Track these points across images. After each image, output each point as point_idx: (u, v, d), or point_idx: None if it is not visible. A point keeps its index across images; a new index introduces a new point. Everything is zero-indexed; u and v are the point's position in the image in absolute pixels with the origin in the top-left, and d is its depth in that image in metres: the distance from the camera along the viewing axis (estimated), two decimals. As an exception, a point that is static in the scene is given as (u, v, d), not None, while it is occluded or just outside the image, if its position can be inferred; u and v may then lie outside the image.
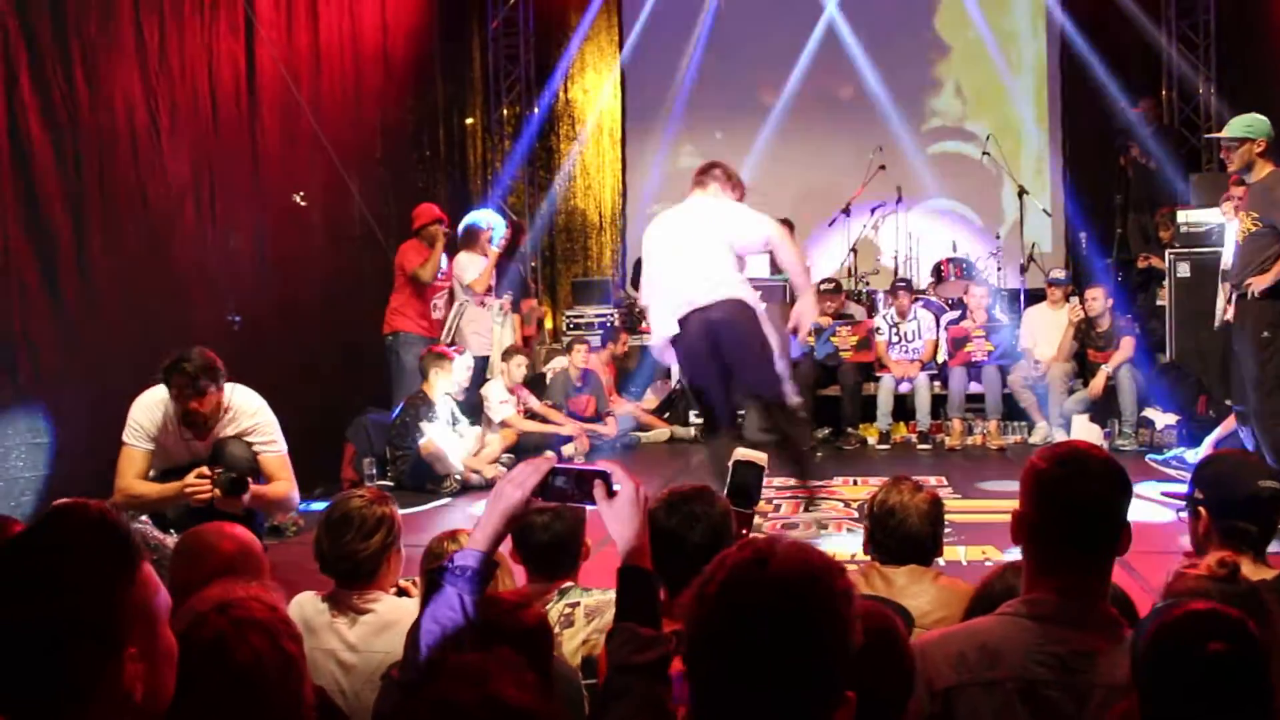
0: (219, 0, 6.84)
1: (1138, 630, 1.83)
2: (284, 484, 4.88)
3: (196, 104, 6.63)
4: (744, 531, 2.80)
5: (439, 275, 8.27)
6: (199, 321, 6.55)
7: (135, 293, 6.00)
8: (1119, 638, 2.05)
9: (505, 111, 12.36)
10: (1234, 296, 6.00)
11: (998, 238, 10.58)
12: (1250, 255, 5.85)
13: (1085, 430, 8.47)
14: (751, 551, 1.44)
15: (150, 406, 4.76)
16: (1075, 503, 2.11)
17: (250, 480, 4.57)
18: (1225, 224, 7.40)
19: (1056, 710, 2.01)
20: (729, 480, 2.89)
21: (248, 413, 4.87)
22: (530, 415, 8.69)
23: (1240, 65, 10.29)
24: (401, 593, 3.08)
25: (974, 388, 9.06)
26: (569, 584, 2.93)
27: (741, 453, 2.99)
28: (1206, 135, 6.83)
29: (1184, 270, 8.57)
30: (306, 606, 3.01)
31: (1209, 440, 7.06)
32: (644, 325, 10.33)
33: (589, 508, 2.10)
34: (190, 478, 4.47)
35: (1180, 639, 1.73)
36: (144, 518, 4.42)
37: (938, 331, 9.48)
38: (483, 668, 1.50)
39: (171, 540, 4.24)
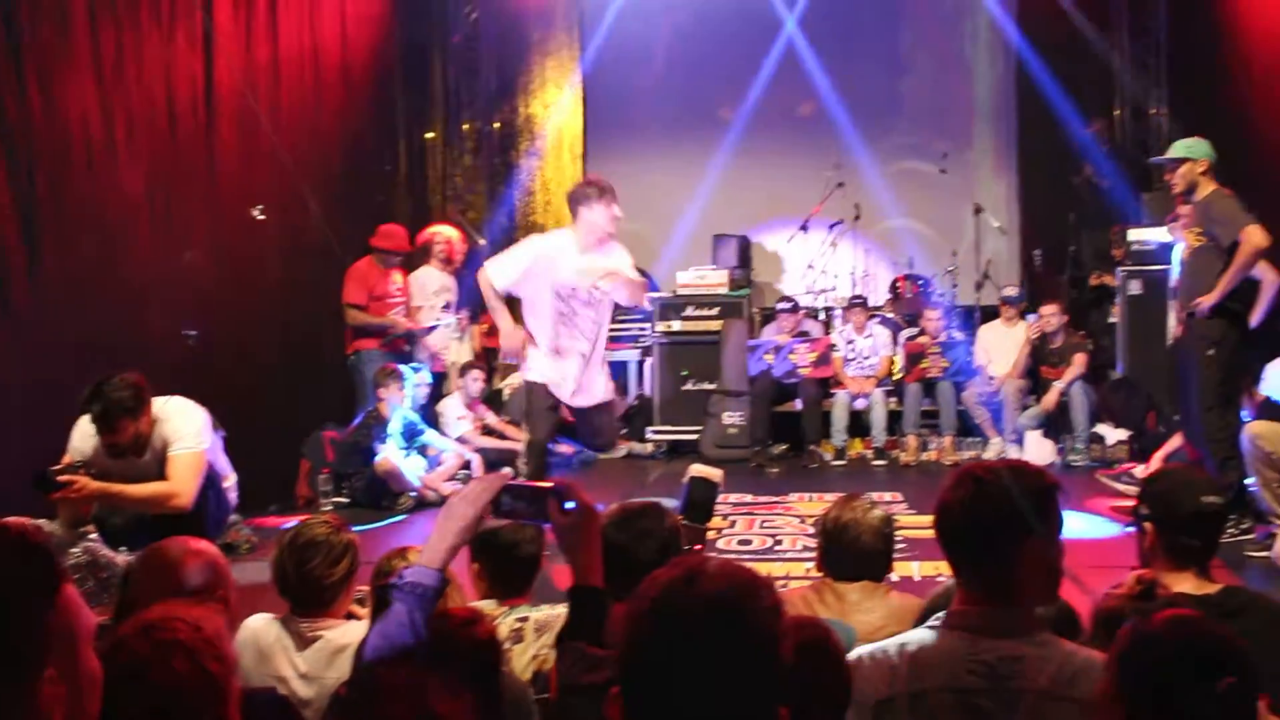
0: (177, 12, 6.77)
1: (1117, 641, 1.85)
2: (164, 484, 4.71)
3: (153, 116, 6.56)
4: (696, 547, 2.82)
5: (396, 289, 8.24)
6: (154, 336, 6.49)
7: (88, 306, 5.93)
8: (1045, 642, 2.10)
9: (466, 126, 12.33)
10: (1182, 312, 6.11)
11: (954, 255, 10.68)
12: (1196, 273, 5.96)
13: (1038, 445, 8.56)
14: (681, 570, 1.45)
15: (85, 434, 4.74)
16: (967, 524, 2.18)
17: (51, 477, 4.39)
18: (1173, 242, 7.51)
19: (986, 717, 2.05)
20: (684, 496, 2.91)
21: (170, 419, 4.81)
22: (487, 431, 8.66)
23: (1192, 87, 10.46)
24: (350, 616, 3.07)
25: (929, 404, 9.13)
26: (520, 601, 2.94)
27: (697, 469, 3.01)
28: (1151, 160, 6.97)
29: (1135, 288, 8.69)
30: (259, 630, 2.98)
31: (1158, 455, 7.15)
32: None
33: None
34: None
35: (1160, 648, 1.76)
36: (94, 535, 4.39)
37: (894, 348, 9.56)
38: (418, 685, 1.50)
39: (122, 558, 4.23)
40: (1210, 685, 1.70)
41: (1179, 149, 6.08)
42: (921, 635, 2.19)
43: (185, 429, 4.81)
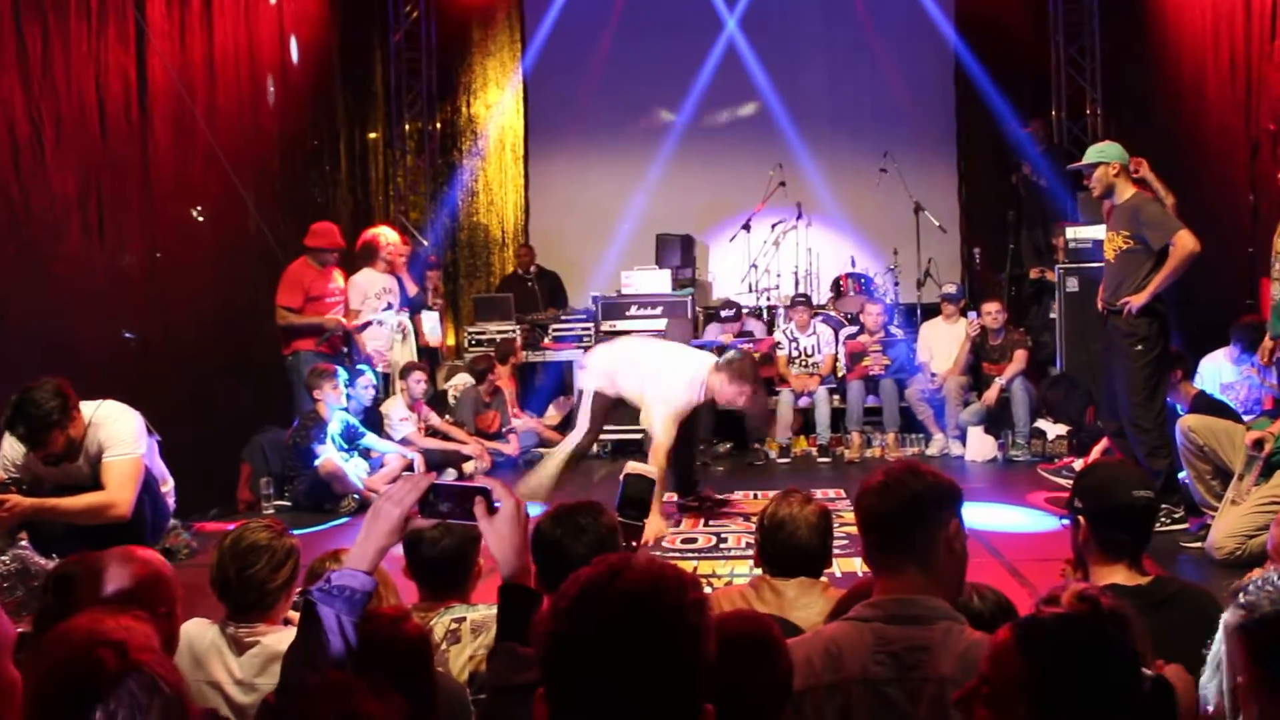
0: (107, 8, 6.63)
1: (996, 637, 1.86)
2: (100, 494, 4.62)
3: (83, 116, 6.43)
4: (633, 544, 2.81)
5: (335, 290, 8.16)
6: (87, 338, 6.37)
7: (17, 310, 5.80)
8: (950, 630, 2.13)
9: (407, 126, 12.27)
10: (1105, 310, 6.21)
11: (895, 253, 10.78)
12: (1124, 272, 6.06)
13: (980, 441, 8.66)
14: (604, 567, 1.44)
15: (15, 441, 4.66)
16: (879, 516, 2.27)
17: None
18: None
19: (894, 707, 2.10)
20: (620, 492, 2.90)
21: (103, 424, 4.72)
22: (431, 432, 8.61)
23: (1124, 87, 10.64)
24: (288, 622, 3.03)
25: (872, 401, 9.20)
26: (455, 603, 2.91)
27: (632, 466, 3.01)
28: (1069, 166, 7.10)
29: (1072, 285, 8.81)
30: (195, 636, 2.93)
31: (1097, 449, 7.26)
32: (546, 342, 10.32)
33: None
34: None
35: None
36: (24, 543, 4.30)
37: (836, 346, 9.62)
38: (342, 687, 1.48)
39: (50, 564, 4.13)
40: (1087, 681, 1.71)
41: (1092, 154, 6.25)
42: (835, 627, 2.25)
43: (120, 435, 4.72)
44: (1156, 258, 5.94)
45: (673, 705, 1.40)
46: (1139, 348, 6.00)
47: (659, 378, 6.52)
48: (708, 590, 4.78)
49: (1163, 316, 6.07)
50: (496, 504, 2.01)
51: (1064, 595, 2.34)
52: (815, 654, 2.16)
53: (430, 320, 8.96)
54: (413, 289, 8.89)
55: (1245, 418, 6.31)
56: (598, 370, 6.90)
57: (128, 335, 6.69)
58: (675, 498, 6.93)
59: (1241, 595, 1.84)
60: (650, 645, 1.39)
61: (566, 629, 1.41)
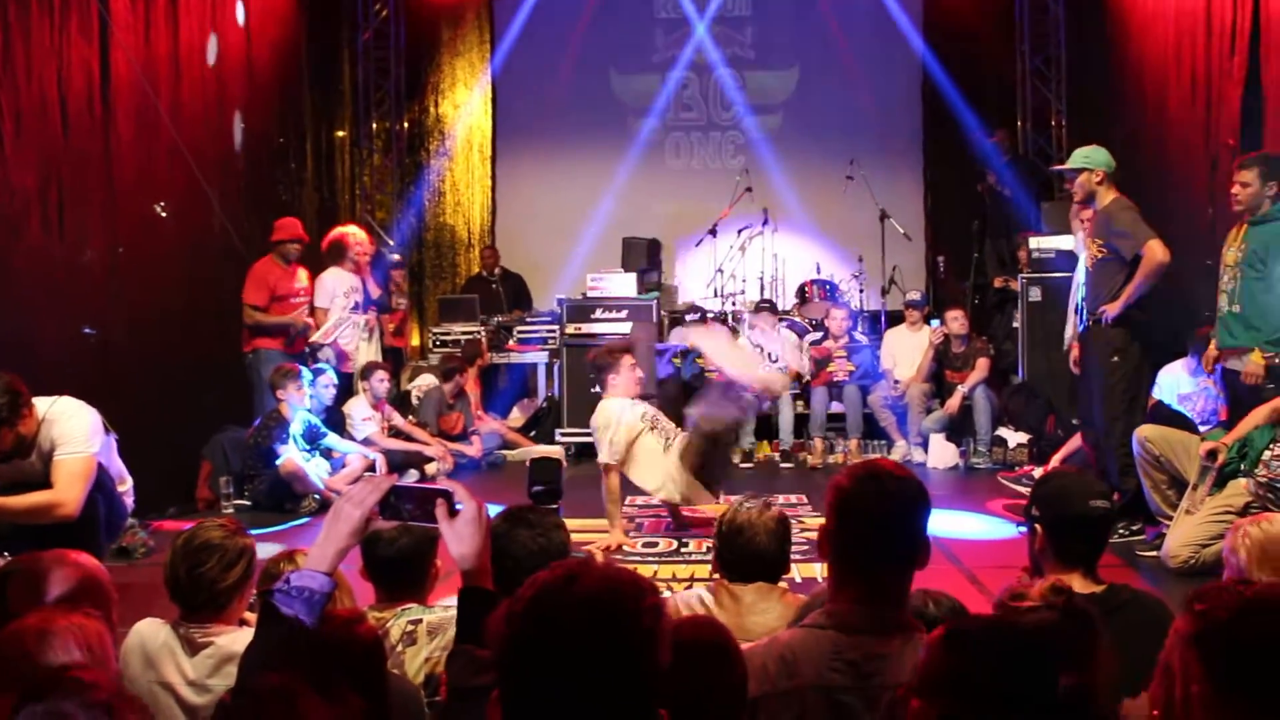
0: (70, 1, 6.56)
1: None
2: (47, 493, 4.51)
3: (44, 109, 6.34)
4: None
5: (300, 289, 8.11)
6: (47, 335, 6.30)
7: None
8: (912, 641, 2.13)
9: (375, 125, 12.21)
10: (1086, 321, 6.25)
11: (860, 260, 10.84)
12: (1100, 283, 6.10)
13: (942, 448, 8.71)
14: (560, 571, 1.45)
15: None
16: (870, 517, 2.21)
17: None
18: (1076, 250, 7.68)
19: (850, 714, 2.09)
20: (528, 479, 2.90)
21: (56, 421, 4.62)
22: (394, 433, 8.57)
23: (1089, 99, 10.76)
24: (244, 623, 3.00)
25: (835, 407, 9.24)
26: (411, 604, 2.91)
27: (538, 450, 3.05)
28: (1051, 169, 7.16)
29: (1035, 294, 8.89)
30: (147, 636, 2.90)
31: (1056, 457, 7.33)
32: (511, 344, 10.31)
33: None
34: None
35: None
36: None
37: (802, 351, 9.65)
38: (298, 690, 1.47)
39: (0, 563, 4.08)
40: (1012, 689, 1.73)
41: (1077, 159, 6.22)
42: (792, 634, 2.23)
43: (72, 432, 4.62)
44: (1130, 267, 5.95)
45: (628, 709, 1.41)
46: (1114, 359, 6.02)
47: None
48: (666, 595, 4.80)
49: (1142, 327, 6.07)
50: (458, 506, 2.01)
51: (1034, 589, 2.36)
52: (770, 660, 2.15)
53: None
54: (375, 290, 8.84)
55: (1201, 428, 6.40)
56: None
57: (87, 331, 6.62)
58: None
59: (1197, 604, 1.85)
60: (605, 650, 1.39)
61: (522, 633, 1.41)
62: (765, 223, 10.82)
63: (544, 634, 1.40)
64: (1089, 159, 6.15)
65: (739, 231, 10.83)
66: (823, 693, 2.10)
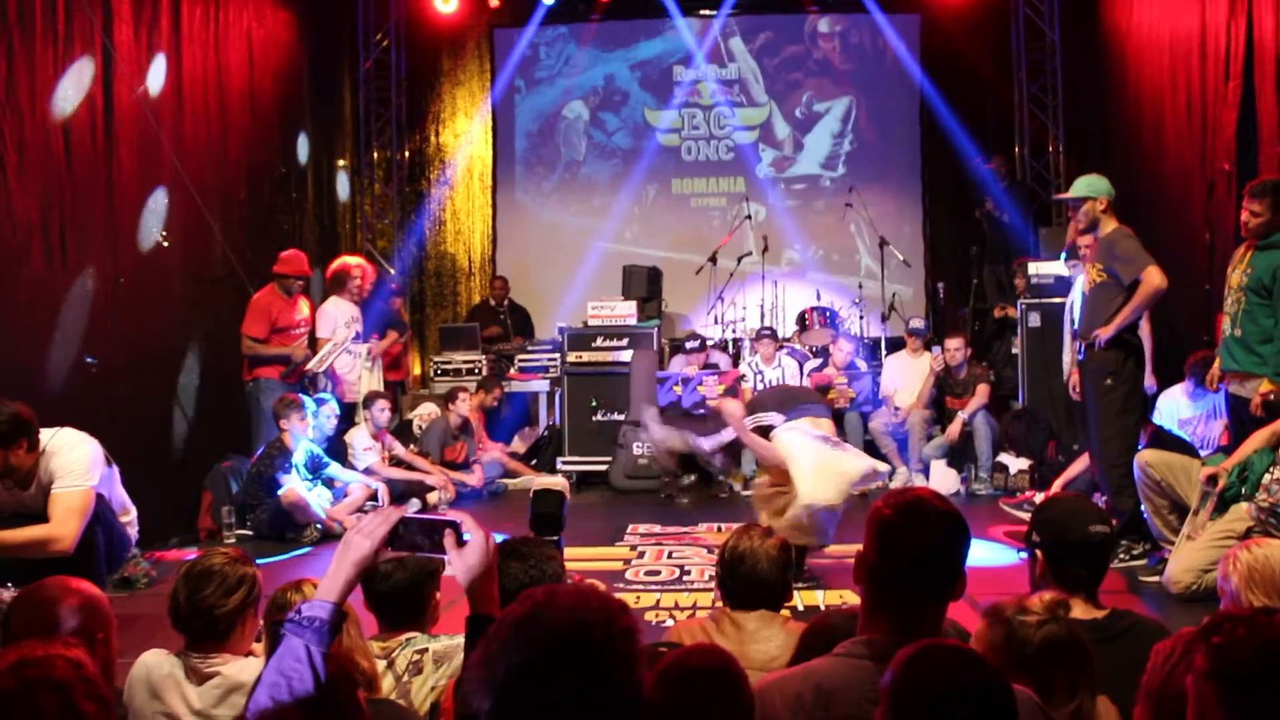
0: (74, 32, 6.60)
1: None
2: (43, 527, 4.52)
3: (48, 140, 6.39)
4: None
5: (301, 320, 8.14)
6: (49, 364, 6.32)
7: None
8: None
9: (376, 154, 12.27)
10: (1081, 345, 6.28)
11: (860, 287, 10.87)
12: (1097, 306, 6.14)
13: (943, 474, 8.71)
14: (529, 606, 1.46)
15: None
16: (912, 548, 2.19)
17: None
18: (1071, 277, 7.71)
19: None
20: (530, 509, 2.92)
21: (57, 453, 4.64)
22: (396, 462, 8.57)
23: (1086, 125, 10.82)
24: (251, 654, 3.01)
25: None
26: (413, 633, 2.91)
27: (541, 482, 3.05)
28: (1054, 197, 7.20)
29: (1035, 320, 8.91)
30: (152, 666, 2.91)
31: (1057, 483, 7.33)
32: (513, 373, 10.32)
33: (447, 560, 2.10)
34: None
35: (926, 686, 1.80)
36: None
37: (801, 379, 9.66)
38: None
39: (8, 594, 4.09)
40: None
41: (1081, 187, 6.27)
42: (827, 663, 2.19)
43: (72, 465, 4.63)
44: (1127, 292, 6.00)
45: None
46: (1108, 381, 6.06)
47: None
48: (669, 623, 4.80)
49: (1136, 350, 6.13)
50: (466, 537, 2.03)
51: (1037, 602, 2.37)
52: (807, 690, 2.12)
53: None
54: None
55: (1202, 452, 6.41)
56: None
57: (90, 360, 6.63)
58: None
59: (1212, 637, 1.83)
60: (581, 676, 1.41)
61: (499, 664, 1.42)
62: (765, 250, 10.84)
63: (518, 668, 1.42)
64: (1092, 187, 6.20)
65: (739, 259, 10.87)
66: None
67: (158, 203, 7.50)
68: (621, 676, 1.42)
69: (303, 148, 10.06)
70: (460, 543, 2.03)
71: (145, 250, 7.36)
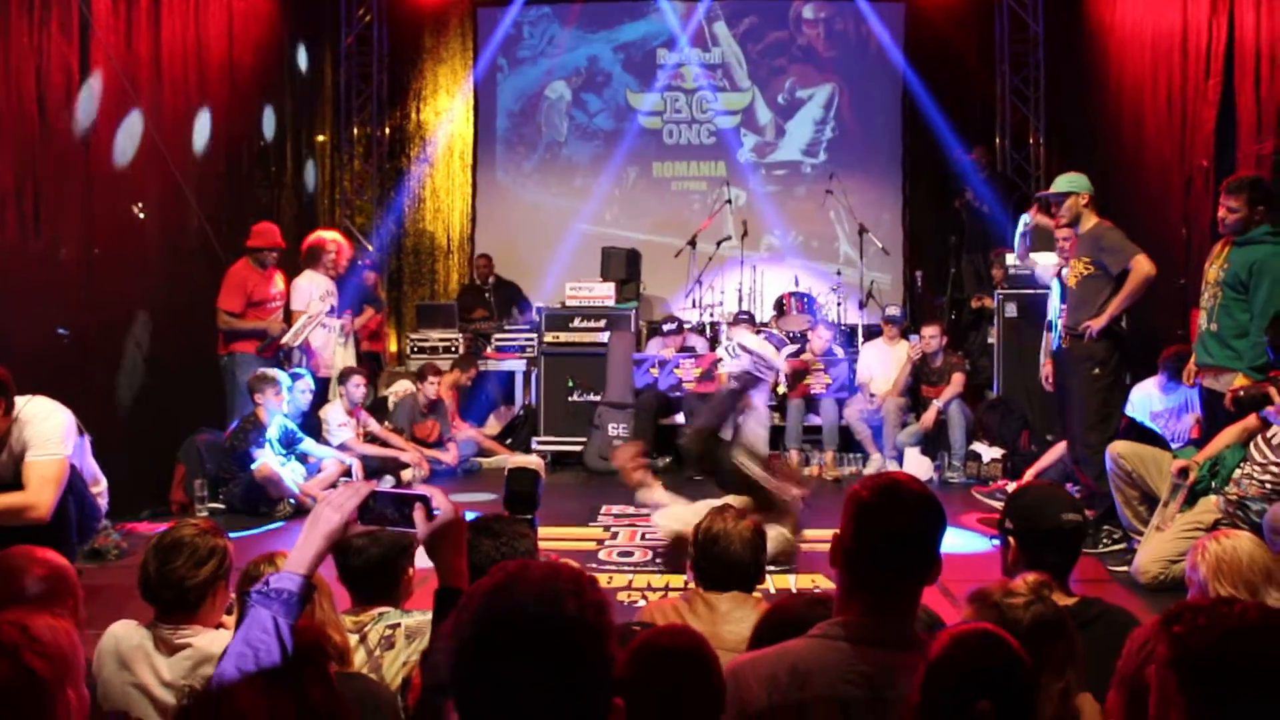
0: (51, 0, 6.54)
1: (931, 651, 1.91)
2: (18, 494, 4.47)
3: (22, 107, 6.31)
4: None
5: (277, 294, 8.08)
6: (19, 334, 6.25)
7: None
8: (922, 655, 2.13)
9: (356, 130, 12.20)
10: (1067, 335, 6.33)
11: (838, 274, 10.89)
12: (1085, 297, 6.20)
13: (917, 462, 8.74)
14: (501, 577, 1.46)
15: None
16: (888, 529, 2.20)
17: None
18: (1038, 277, 7.73)
19: None
20: (505, 488, 2.92)
21: (30, 421, 4.57)
22: (370, 438, 8.55)
23: (1067, 119, 10.86)
24: (221, 626, 2.99)
25: (812, 419, 9.27)
26: (386, 608, 2.91)
27: (515, 459, 3.06)
28: (1037, 194, 7.26)
29: (1011, 310, 8.96)
30: (122, 637, 2.89)
31: (1030, 472, 7.37)
32: (489, 351, 10.30)
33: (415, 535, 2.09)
34: None
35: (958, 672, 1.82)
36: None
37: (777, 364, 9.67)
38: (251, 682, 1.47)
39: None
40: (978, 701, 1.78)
41: (1063, 183, 6.36)
42: (803, 644, 2.20)
43: (46, 434, 4.57)
44: (1115, 282, 6.10)
45: (581, 703, 1.43)
46: (1095, 371, 6.15)
47: None
48: (641, 604, 4.81)
49: (1122, 340, 6.23)
50: (435, 511, 2.02)
51: (1021, 584, 2.39)
52: (781, 670, 2.13)
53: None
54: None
55: (1173, 445, 6.46)
56: None
57: (62, 331, 6.58)
58: None
59: (1173, 627, 1.85)
60: (552, 649, 1.41)
61: (468, 638, 1.42)
62: (744, 235, 10.83)
63: (489, 638, 1.42)
64: (1074, 183, 6.30)
65: (718, 243, 10.86)
66: (835, 704, 2.09)
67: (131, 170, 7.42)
68: (591, 649, 1.43)
69: (269, 122, 9.94)
70: (430, 516, 2.03)
71: (120, 220, 7.30)
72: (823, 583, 5.30)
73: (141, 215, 7.50)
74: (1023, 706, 1.84)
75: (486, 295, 11.33)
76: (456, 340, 10.31)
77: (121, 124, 7.29)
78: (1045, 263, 7.22)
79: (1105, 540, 6.00)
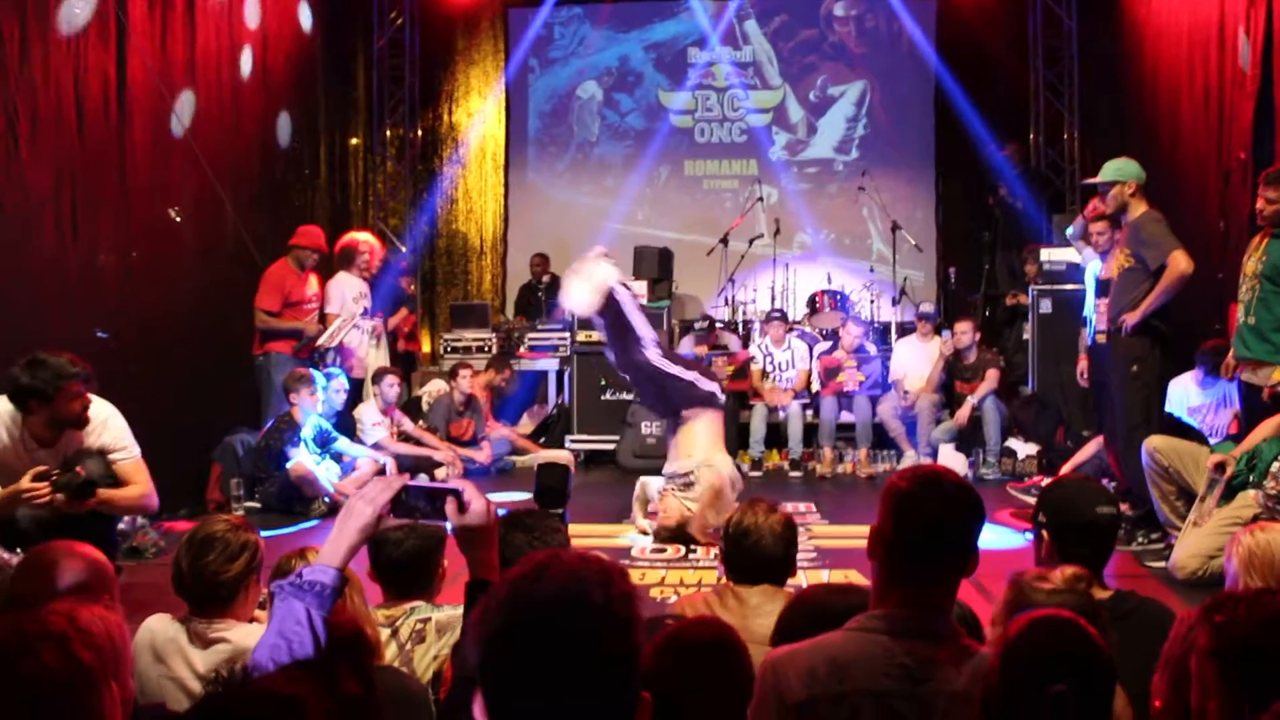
0: (88, 6, 6.62)
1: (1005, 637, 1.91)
2: (138, 488, 4.79)
3: (60, 112, 6.39)
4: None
5: (312, 295, 8.15)
6: (58, 335, 6.29)
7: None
8: (961, 648, 2.12)
9: (388, 132, 12.27)
10: (1108, 329, 6.24)
11: (871, 271, 10.85)
12: (1124, 292, 6.09)
13: (951, 459, 8.69)
14: (530, 566, 1.47)
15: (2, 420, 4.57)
16: (928, 520, 2.18)
17: (94, 485, 4.46)
18: (1083, 265, 7.67)
19: None
20: (535, 482, 2.92)
21: (99, 420, 4.72)
22: (404, 438, 8.59)
23: (1102, 113, 10.75)
24: (255, 621, 3.02)
25: (845, 417, 9.24)
26: (418, 602, 2.92)
27: (546, 455, 3.07)
28: (1083, 181, 7.12)
29: (1046, 306, 8.89)
30: (157, 631, 2.93)
31: (1065, 469, 7.30)
32: (522, 351, 10.33)
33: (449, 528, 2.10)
34: (26, 480, 4.30)
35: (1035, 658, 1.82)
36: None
37: (810, 361, 9.65)
38: (286, 674, 1.48)
39: (16, 559, 4.11)
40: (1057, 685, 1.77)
41: (1110, 171, 6.20)
42: (841, 637, 2.19)
43: (119, 433, 4.80)
44: (1153, 277, 5.94)
45: (609, 696, 1.43)
46: (1134, 368, 6.01)
47: None
48: (673, 599, 4.81)
49: (1163, 337, 6.06)
50: (468, 504, 2.03)
51: (1056, 575, 2.38)
52: (820, 663, 2.11)
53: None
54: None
55: (1210, 441, 6.38)
56: None
57: (100, 334, 6.65)
58: None
59: (1215, 616, 1.84)
60: (580, 641, 1.41)
61: (497, 629, 1.43)
62: (777, 233, 10.80)
63: (515, 627, 1.42)
64: (1121, 171, 6.14)
65: (750, 241, 10.85)
66: (875, 698, 2.07)
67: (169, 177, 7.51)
68: (618, 639, 1.43)
69: (302, 126, 9.98)
70: (461, 509, 2.04)
71: (156, 224, 7.38)
72: (856, 579, 5.27)
73: (178, 219, 7.58)
74: (1100, 694, 1.82)
75: (539, 294, 11.33)
76: (490, 340, 10.35)
77: (156, 128, 7.37)
78: (1090, 255, 7.13)
79: (1140, 539, 5.93)
